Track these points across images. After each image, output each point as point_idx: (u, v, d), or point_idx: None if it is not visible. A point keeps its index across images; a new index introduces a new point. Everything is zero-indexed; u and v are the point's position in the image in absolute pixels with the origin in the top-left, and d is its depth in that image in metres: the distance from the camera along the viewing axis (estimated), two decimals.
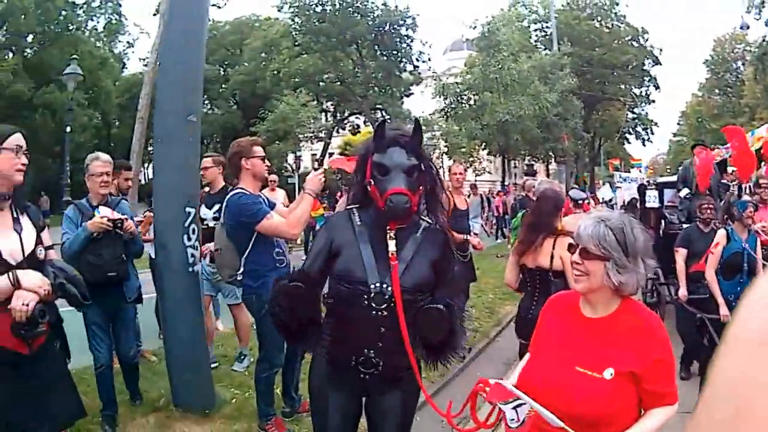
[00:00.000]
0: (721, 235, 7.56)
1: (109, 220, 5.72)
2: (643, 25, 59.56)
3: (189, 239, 6.15)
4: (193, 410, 6.24)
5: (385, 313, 3.44)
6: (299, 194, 6.15)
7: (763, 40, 50.34)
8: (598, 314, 2.97)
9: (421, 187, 3.64)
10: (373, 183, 3.57)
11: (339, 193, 20.18)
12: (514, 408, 2.82)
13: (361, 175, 3.74)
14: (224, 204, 5.99)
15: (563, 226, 5.99)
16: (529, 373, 3.08)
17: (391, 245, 3.51)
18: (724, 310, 7.09)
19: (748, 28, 49.56)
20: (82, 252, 5.69)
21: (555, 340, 3.08)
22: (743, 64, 62.03)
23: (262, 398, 6.04)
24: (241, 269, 5.88)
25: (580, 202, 8.71)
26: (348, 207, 3.85)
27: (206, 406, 6.32)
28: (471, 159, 39.30)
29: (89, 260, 5.69)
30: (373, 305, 3.44)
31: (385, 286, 3.45)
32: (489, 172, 49.08)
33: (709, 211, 8.39)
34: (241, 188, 5.83)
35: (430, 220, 3.78)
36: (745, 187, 10.74)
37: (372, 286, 3.45)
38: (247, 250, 5.79)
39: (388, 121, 34.68)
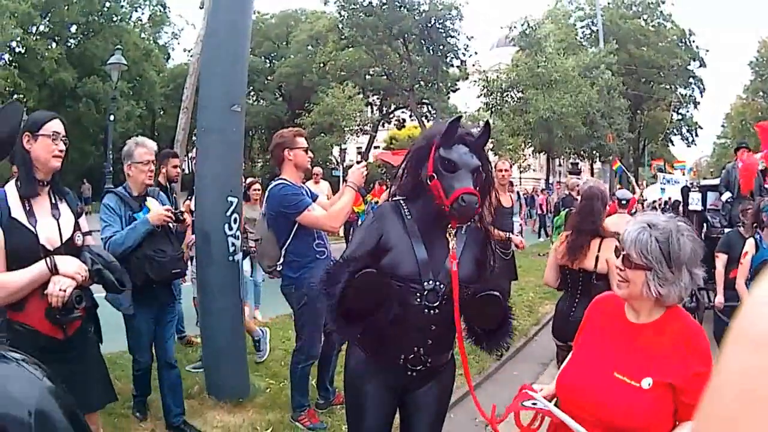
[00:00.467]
0: (750, 244, 7.37)
1: (172, 213, 5.43)
2: (690, 26, 59.17)
3: (230, 228, 6.18)
4: (227, 399, 6.27)
5: (437, 310, 3.39)
6: (342, 187, 6.10)
7: None
8: (641, 320, 2.86)
9: (478, 188, 3.51)
10: (436, 177, 3.45)
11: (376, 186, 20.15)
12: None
13: (419, 168, 3.60)
14: (266, 194, 5.99)
15: (607, 227, 5.89)
16: (569, 374, 3.03)
17: (452, 243, 3.47)
18: None
19: None
20: (137, 248, 5.21)
21: (597, 342, 3.00)
22: None
23: (297, 389, 6.04)
24: (281, 260, 5.82)
25: (625, 202, 8.53)
26: (395, 199, 3.74)
27: (240, 395, 6.36)
28: (516, 156, 39.26)
29: (151, 257, 5.25)
30: (426, 303, 3.38)
31: (438, 284, 3.39)
32: (534, 170, 48.83)
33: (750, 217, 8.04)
34: (284, 179, 5.81)
35: (475, 220, 3.70)
36: None
37: (426, 284, 3.38)
38: (288, 241, 5.74)
39: (435, 116, 34.85)
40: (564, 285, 6.06)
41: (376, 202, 15.26)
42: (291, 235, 5.74)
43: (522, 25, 35.54)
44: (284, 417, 6.09)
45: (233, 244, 6.24)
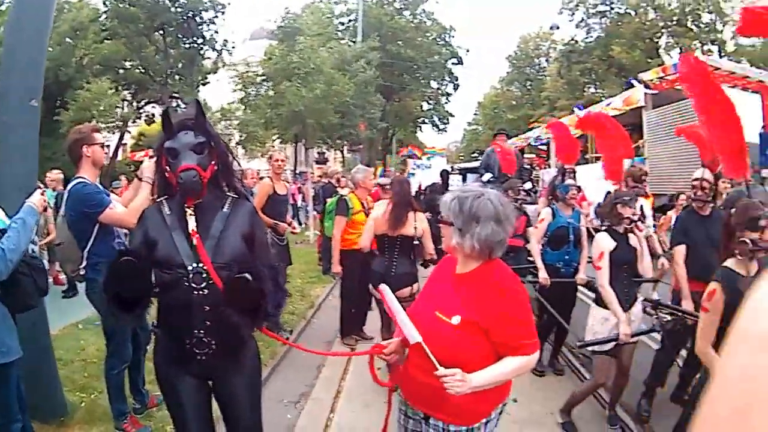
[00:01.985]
0: (546, 212, 8.42)
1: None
2: (452, 24, 62.04)
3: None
4: (50, 420, 5.93)
5: (206, 291, 3.56)
6: (134, 182, 5.94)
7: (571, 39, 56.60)
8: (461, 271, 3.45)
9: (213, 163, 3.80)
10: (169, 169, 3.73)
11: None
12: None
13: (158, 164, 3.88)
14: (66, 194, 5.73)
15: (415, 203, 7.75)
16: (409, 314, 3.44)
17: (191, 222, 3.65)
18: (543, 274, 7.98)
19: (557, 28, 56.26)
20: None
21: (431, 290, 3.62)
22: (547, 61, 68.45)
23: (115, 396, 5.88)
24: (84, 263, 5.62)
25: (387, 187, 9.46)
26: (156, 199, 3.95)
27: (61, 414, 6.05)
28: (263, 149, 39.48)
29: None
30: (194, 285, 3.56)
31: (200, 265, 3.57)
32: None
33: (521, 192, 9.25)
34: (82, 177, 5.63)
35: (235, 194, 3.93)
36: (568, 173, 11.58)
37: (190, 268, 3.57)
38: (90, 242, 5.57)
39: (176, 108, 34.18)
40: (381, 249, 7.47)
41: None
42: (93, 236, 5.56)
43: (285, 17, 35.63)
44: (108, 428, 5.90)
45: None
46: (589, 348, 6.40)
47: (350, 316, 9.52)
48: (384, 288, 3.76)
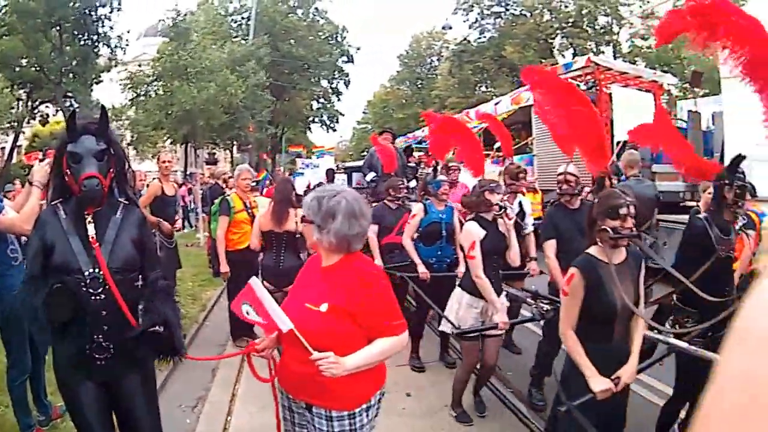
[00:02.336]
0: (418, 208, 8.58)
1: None
2: (345, 24, 62.25)
3: None
4: None
5: (103, 296, 3.67)
6: (26, 186, 5.82)
7: (464, 39, 57.31)
8: (326, 264, 3.69)
9: (111, 170, 3.86)
10: (69, 173, 3.75)
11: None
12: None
13: (57, 167, 3.88)
14: None
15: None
16: (283, 308, 3.60)
17: (90, 229, 3.74)
18: (422, 268, 8.19)
19: (450, 28, 56.58)
20: None
21: (301, 284, 3.87)
22: (438, 60, 68.67)
23: (20, 408, 5.75)
24: None
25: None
26: (52, 202, 3.94)
27: None
28: (154, 150, 38.80)
29: None
30: (90, 291, 3.65)
31: (96, 270, 3.67)
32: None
33: (402, 191, 9.36)
34: None
35: (126, 200, 4.01)
36: (441, 168, 11.80)
37: (86, 273, 3.65)
38: None
39: (78, 110, 33.30)
40: (270, 245, 8.08)
41: None
42: None
43: (176, 12, 35.00)
44: None
45: None
46: (455, 332, 6.69)
47: (239, 318, 9.45)
48: (253, 281, 3.83)
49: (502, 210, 6.58)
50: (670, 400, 5.86)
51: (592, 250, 4.53)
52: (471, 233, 6.45)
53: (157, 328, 3.67)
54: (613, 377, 4.26)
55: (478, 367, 6.82)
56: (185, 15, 35.22)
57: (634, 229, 4.47)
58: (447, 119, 12.76)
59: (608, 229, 4.37)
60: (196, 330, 10.18)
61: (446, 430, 6.58)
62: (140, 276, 3.96)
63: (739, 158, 5.58)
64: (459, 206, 8.72)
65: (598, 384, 4.19)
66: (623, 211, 4.34)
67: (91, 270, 3.66)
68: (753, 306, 0.86)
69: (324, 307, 3.49)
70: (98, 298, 3.66)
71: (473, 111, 20.37)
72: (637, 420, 5.54)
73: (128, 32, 33.17)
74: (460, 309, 6.53)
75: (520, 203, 8.75)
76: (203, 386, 7.81)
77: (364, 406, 3.61)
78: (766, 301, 0.86)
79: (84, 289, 3.63)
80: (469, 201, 6.98)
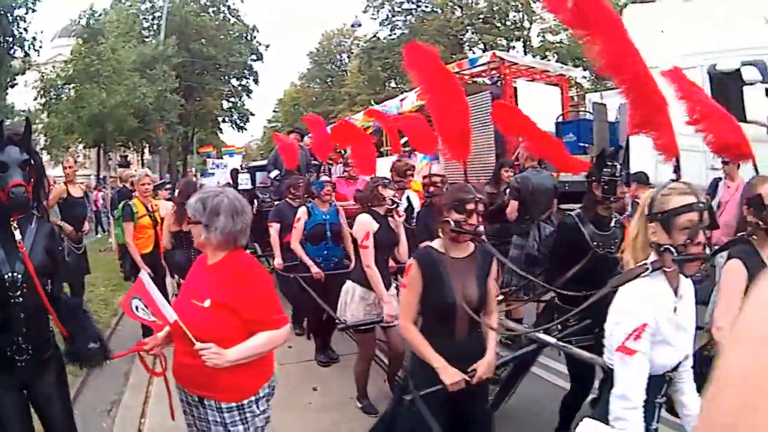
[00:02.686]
0: (302, 211, 8.75)
1: None
2: (256, 23, 61.65)
3: None
4: None
5: (21, 299, 3.81)
6: None
7: (374, 36, 58.17)
8: (211, 262, 3.88)
9: (32, 180, 3.99)
10: None
11: None
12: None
13: None
14: None
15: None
16: (174, 306, 3.82)
17: (17, 234, 3.87)
18: (314, 269, 8.38)
19: (359, 25, 56.60)
20: None
21: (187, 285, 4.06)
22: (348, 57, 68.83)
23: None
24: None
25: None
26: None
27: None
28: (67, 154, 38.00)
29: None
30: (10, 294, 3.77)
31: (16, 274, 3.79)
32: (85, 166, 47.60)
33: (300, 189, 9.59)
34: None
35: (39, 213, 4.14)
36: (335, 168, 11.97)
37: (6, 276, 3.76)
38: None
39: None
40: (180, 244, 8.45)
41: None
42: None
43: (87, 13, 34.17)
44: None
45: None
46: (340, 327, 6.94)
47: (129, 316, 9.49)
48: (142, 275, 3.95)
49: (394, 205, 6.78)
50: (568, 393, 5.93)
51: (435, 243, 4.54)
52: (365, 224, 6.64)
53: (91, 345, 3.94)
54: (469, 370, 4.25)
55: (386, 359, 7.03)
56: (99, 15, 34.44)
57: (480, 226, 4.48)
58: (337, 126, 13.08)
59: (451, 221, 4.36)
60: (109, 334, 10.02)
61: (353, 421, 6.72)
62: (50, 282, 4.08)
63: (606, 153, 5.66)
64: (346, 204, 9.21)
65: (449, 376, 4.17)
66: (470, 206, 4.33)
67: (10, 273, 3.76)
68: (753, 305, 0.84)
69: (207, 303, 3.68)
70: (17, 300, 3.78)
71: (379, 107, 20.33)
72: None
73: (42, 32, 32.16)
74: (352, 302, 6.67)
75: (408, 198, 9.01)
76: (117, 390, 7.85)
77: (253, 398, 3.80)
78: (766, 300, 0.84)
79: (3, 292, 3.73)
80: (363, 196, 7.15)
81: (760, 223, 4.20)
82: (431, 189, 7.48)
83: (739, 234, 4.46)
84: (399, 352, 6.69)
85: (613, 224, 5.65)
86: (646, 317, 2.96)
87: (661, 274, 3.09)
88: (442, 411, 4.26)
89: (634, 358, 2.92)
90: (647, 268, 3.05)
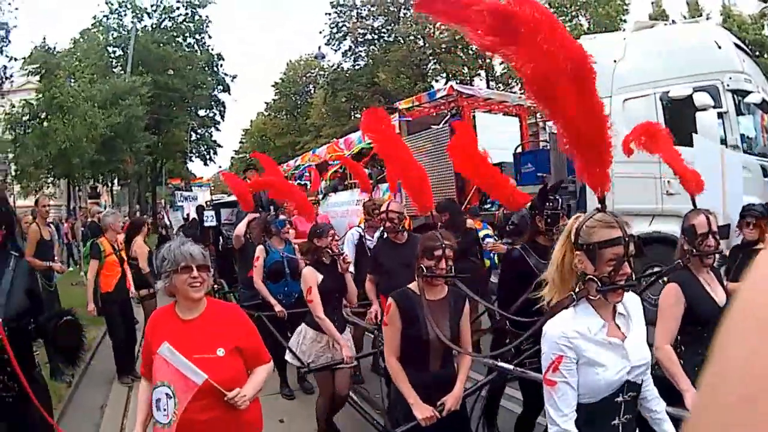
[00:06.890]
0: (259, 249, 8.92)
1: None
2: (222, 51, 61.34)
3: None
4: None
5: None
6: None
7: (338, 66, 57.57)
8: (190, 317, 3.95)
9: (3, 227, 4.18)
10: None
11: None
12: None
13: None
14: None
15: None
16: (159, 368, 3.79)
17: None
18: (278, 307, 8.50)
19: (323, 57, 57.85)
20: None
21: (173, 342, 3.80)
22: (314, 88, 68.52)
23: None
24: None
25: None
26: None
27: None
28: (36, 185, 37.79)
29: None
30: None
31: None
32: (55, 197, 47.41)
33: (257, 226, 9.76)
34: None
35: (17, 253, 4.31)
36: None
37: None
38: None
39: None
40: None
41: None
42: None
43: (42, 47, 34.00)
44: None
45: None
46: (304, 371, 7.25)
47: (123, 355, 9.77)
48: (161, 350, 3.77)
49: (340, 254, 7.00)
50: (522, 411, 6.15)
51: (412, 285, 4.93)
52: (306, 278, 6.82)
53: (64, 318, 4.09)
54: (438, 403, 4.60)
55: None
56: (53, 50, 34.32)
57: (451, 270, 4.85)
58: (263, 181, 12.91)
59: (423, 267, 4.79)
60: (83, 369, 10.15)
61: None
62: (32, 320, 4.18)
63: (547, 188, 6.07)
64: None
65: (420, 411, 4.51)
66: (438, 252, 4.75)
67: None
68: (752, 284, 0.76)
69: (221, 352, 3.80)
70: None
71: (342, 140, 20.58)
72: None
73: (14, 59, 32.00)
74: (302, 344, 6.86)
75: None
76: (94, 422, 8.09)
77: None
78: (761, 284, 0.75)
79: None
80: (305, 248, 7.52)
81: (694, 250, 4.63)
82: (387, 225, 7.68)
83: (676, 261, 4.89)
84: (342, 395, 6.87)
85: None
86: (561, 349, 3.09)
87: (586, 301, 3.19)
88: None
89: (555, 389, 3.11)
90: (573, 299, 3.17)
